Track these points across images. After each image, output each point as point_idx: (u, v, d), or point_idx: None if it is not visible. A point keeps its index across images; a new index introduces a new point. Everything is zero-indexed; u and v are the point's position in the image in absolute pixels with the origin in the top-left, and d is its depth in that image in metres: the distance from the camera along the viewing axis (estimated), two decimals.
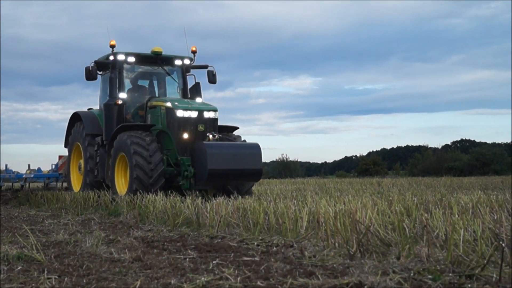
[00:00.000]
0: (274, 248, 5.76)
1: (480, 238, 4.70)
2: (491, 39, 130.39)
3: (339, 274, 4.33)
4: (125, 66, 14.06)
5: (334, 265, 4.66)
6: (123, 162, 12.83)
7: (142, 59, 14.33)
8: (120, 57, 13.87)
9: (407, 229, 5.83)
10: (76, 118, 15.11)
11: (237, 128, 13.97)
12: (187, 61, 14.69)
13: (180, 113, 12.83)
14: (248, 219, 7.46)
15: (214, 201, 8.19)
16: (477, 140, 79.50)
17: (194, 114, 12.90)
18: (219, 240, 6.46)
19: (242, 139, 13.61)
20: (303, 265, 4.75)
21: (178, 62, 14.65)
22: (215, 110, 13.20)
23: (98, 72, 14.16)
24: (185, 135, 12.78)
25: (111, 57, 13.95)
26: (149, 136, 12.51)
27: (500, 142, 79.14)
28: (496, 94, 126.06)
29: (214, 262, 5.02)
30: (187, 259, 5.25)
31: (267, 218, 7.36)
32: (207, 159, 11.93)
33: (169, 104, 13.02)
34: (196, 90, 14.70)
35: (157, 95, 14.54)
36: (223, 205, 7.81)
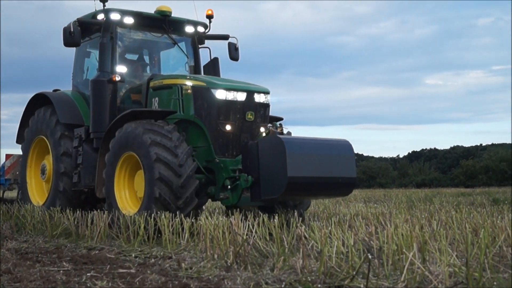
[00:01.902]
0: (152, 260, 5.72)
1: (352, 250, 4.85)
2: (380, 57, 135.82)
3: (213, 286, 4.35)
4: (119, 29, 10.12)
5: (210, 277, 4.67)
6: (128, 164, 8.79)
7: (144, 21, 10.29)
8: (114, 16, 9.88)
9: (285, 241, 5.92)
10: (39, 102, 10.82)
11: (281, 119, 10.28)
12: (200, 29, 10.76)
13: (221, 94, 8.87)
14: (129, 230, 7.36)
15: (94, 212, 8.00)
16: (365, 154, 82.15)
17: (241, 96, 8.99)
18: (97, 252, 6.34)
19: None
20: (178, 277, 4.73)
21: (189, 29, 10.67)
22: (267, 93, 9.32)
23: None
24: (228, 127, 8.88)
25: (101, 16, 9.95)
26: (167, 125, 8.69)
27: (386, 156, 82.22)
28: (383, 110, 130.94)
29: (88, 274, 4.91)
30: (61, 272, 5.10)
31: (147, 229, 7.29)
32: (286, 162, 7.88)
33: (199, 83, 9.08)
34: (213, 68, 10.85)
35: (148, 73, 10.64)
36: (104, 216, 7.66)
